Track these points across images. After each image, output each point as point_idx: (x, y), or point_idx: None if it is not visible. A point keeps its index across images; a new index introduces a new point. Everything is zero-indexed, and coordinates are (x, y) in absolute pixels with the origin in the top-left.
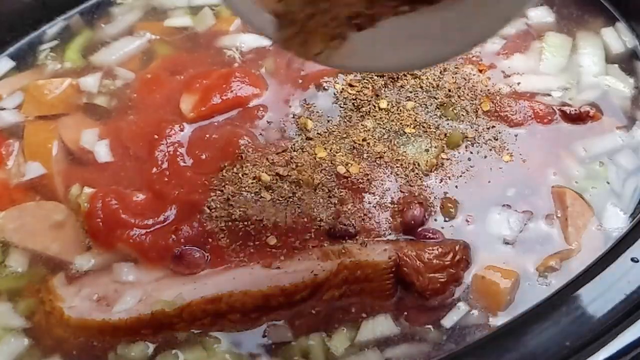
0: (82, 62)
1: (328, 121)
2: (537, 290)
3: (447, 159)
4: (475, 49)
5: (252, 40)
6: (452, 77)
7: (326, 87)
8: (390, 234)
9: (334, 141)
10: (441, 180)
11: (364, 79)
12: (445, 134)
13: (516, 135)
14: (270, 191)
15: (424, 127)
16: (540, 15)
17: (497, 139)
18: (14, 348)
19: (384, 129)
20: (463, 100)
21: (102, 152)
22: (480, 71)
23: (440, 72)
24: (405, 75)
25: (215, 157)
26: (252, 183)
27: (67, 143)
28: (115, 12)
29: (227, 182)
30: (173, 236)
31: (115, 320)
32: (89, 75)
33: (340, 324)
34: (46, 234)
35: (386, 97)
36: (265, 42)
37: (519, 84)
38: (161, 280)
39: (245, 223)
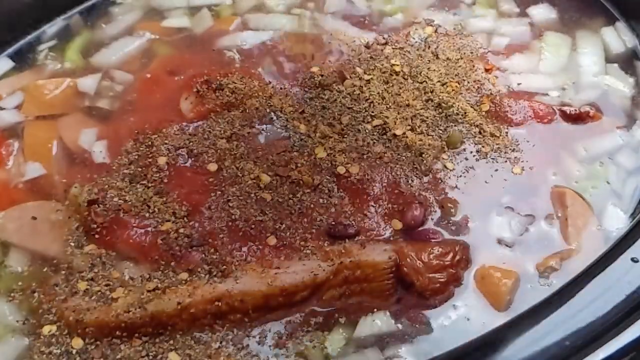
0: (82, 63)
1: (328, 121)
2: (537, 290)
3: (447, 159)
4: (484, 46)
5: (252, 37)
6: (454, 77)
7: (326, 87)
8: (390, 234)
9: (334, 141)
10: (441, 180)
11: (364, 79)
12: (446, 134)
13: (516, 135)
14: (270, 191)
15: (424, 127)
16: (543, 12)
17: (497, 139)
18: (14, 348)
19: (384, 129)
20: (463, 100)
21: (99, 152)
22: (487, 70)
23: (442, 72)
24: (406, 75)
25: None
26: (252, 183)
27: (67, 143)
28: (115, 12)
29: (227, 182)
30: (173, 236)
31: (115, 319)
32: (88, 77)
33: (340, 324)
34: (46, 234)
35: (386, 98)
36: (264, 37)
37: (519, 84)
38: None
39: (245, 223)
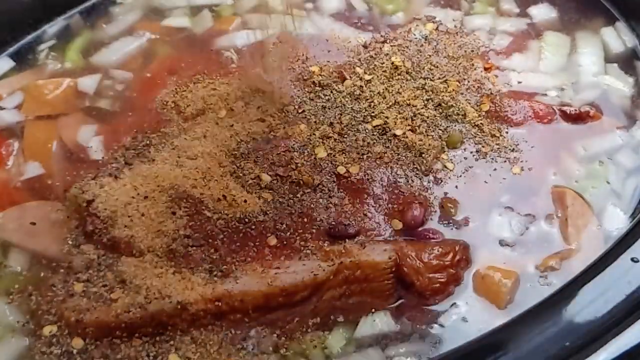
0: (83, 63)
1: (329, 121)
2: (537, 290)
3: (447, 159)
4: (485, 45)
5: (249, 37)
6: (454, 76)
7: (326, 87)
8: (390, 234)
9: (334, 141)
10: (441, 180)
11: (364, 78)
12: (446, 134)
13: (516, 135)
14: (270, 191)
15: (424, 127)
16: (543, 12)
17: (496, 139)
18: (14, 348)
19: (384, 129)
20: (463, 99)
21: (98, 152)
22: (486, 69)
23: (442, 71)
24: (409, 70)
25: None
26: (252, 183)
27: (67, 143)
28: (115, 12)
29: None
30: (173, 236)
31: (115, 319)
32: (88, 76)
33: (340, 324)
34: (46, 234)
35: (386, 97)
36: (261, 37)
37: (519, 82)
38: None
39: (246, 223)
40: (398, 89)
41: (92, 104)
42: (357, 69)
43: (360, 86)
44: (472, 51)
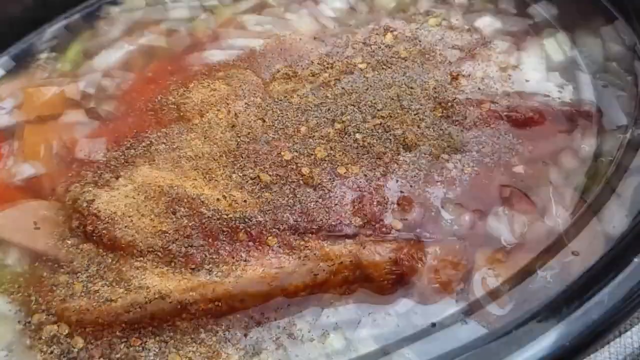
0: (82, 63)
1: (329, 121)
2: (537, 289)
3: (448, 159)
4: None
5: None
6: (455, 73)
7: (326, 87)
8: (390, 233)
9: (334, 141)
10: (441, 181)
11: (365, 77)
12: (446, 134)
13: (515, 136)
14: (270, 191)
15: (424, 127)
16: (542, 11)
17: (496, 139)
18: (15, 348)
19: (384, 129)
20: (464, 99)
21: (98, 152)
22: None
23: (446, 68)
24: (415, 61)
25: None
26: (252, 183)
27: (67, 143)
28: (115, 12)
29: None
30: (173, 236)
31: (115, 319)
32: (88, 77)
33: (339, 324)
34: (46, 234)
35: (387, 99)
36: (254, 44)
37: (527, 81)
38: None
39: (246, 223)
40: (398, 89)
41: (92, 104)
42: (359, 66)
43: (360, 85)
44: (477, 47)
